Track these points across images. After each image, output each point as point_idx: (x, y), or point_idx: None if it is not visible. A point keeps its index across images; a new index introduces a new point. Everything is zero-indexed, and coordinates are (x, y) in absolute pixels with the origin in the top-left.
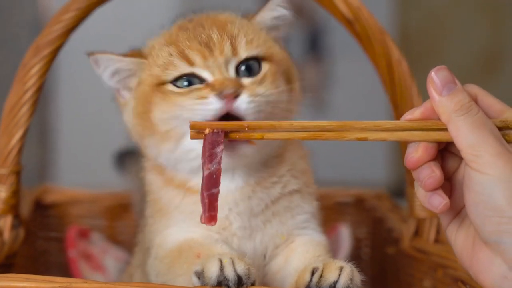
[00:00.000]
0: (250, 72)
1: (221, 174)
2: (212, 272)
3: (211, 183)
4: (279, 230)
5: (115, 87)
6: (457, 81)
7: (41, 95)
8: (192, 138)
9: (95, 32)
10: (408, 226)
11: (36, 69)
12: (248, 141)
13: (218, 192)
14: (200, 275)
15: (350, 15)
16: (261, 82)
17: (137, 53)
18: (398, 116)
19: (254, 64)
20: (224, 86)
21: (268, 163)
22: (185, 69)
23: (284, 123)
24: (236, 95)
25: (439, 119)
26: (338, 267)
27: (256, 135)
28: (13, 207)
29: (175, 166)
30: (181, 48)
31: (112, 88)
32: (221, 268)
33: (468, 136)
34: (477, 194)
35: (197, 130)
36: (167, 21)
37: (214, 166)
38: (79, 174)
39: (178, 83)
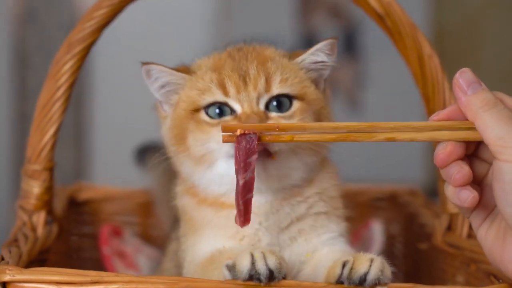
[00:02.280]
0: (281, 108)
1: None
2: (244, 266)
3: (246, 191)
4: (305, 248)
5: (160, 99)
6: (481, 82)
7: (76, 97)
8: (224, 141)
9: (130, 34)
10: (440, 221)
11: (68, 66)
12: (270, 155)
13: (252, 197)
14: (231, 268)
15: (381, 10)
16: (289, 118)
17: (186, 69)
18: (429, 110)
19: (285, 101)
20: (250, 118)
21: (296, 185)
22: (219, 97)
23: (314, 124)
24: None
25: (466, 120)
26: (369, 259)
27: (286, 136)
28: (46, 203)
29: (207, 187)
30: (222, 77)
31: (157, 99)
32: (253, 262)
33: (495, 129)
34: (506, 183)
35: (229, 133)
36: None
37: (249, 175)
38: (114, 173)
39: (210, 111)
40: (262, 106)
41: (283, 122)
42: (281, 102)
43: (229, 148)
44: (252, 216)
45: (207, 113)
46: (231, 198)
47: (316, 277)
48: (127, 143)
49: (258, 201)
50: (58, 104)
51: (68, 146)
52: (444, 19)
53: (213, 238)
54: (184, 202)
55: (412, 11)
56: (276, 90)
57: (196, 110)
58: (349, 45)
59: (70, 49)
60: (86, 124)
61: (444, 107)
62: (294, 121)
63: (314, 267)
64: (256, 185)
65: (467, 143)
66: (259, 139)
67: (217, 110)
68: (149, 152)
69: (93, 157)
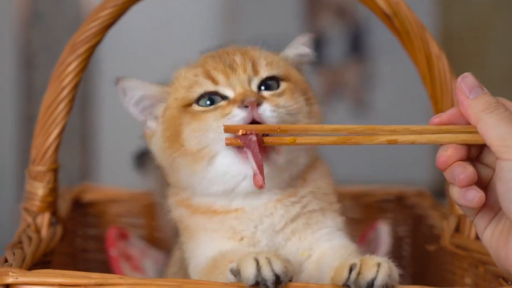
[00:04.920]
0: (270, 89)
1: (247, 193)
2: (249, 272)
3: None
4: (300, 247)
5: (140, 118)
6: (483, 87)
7: (82, 98)
8: (228, 144)
9: (136, 35)
10: (448, 223)
11: (72, 67)
12: (274, 149)
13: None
14: (236, 273)
15: (389, 10)
16: (280, 95)
17: (162, 84)
18: (437, 111)
19: (273, 83)
20: (246, 96)
21: (291, 183)
22: (209, 87)
23: (315, 126)
24: (258, 103)
25: (466, 125)
26: (376, 263)
27: (288, 139)
28: (51, 205)
29: (208, 189)
30: (206, 69)
31: (137, 117)
32: (258, 268)
33: (497, 130)
34: (509, 181)
35: (231, 134)
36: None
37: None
38: (120, 175)
39: (201, 102)
40: (254, 87)
41: (276, 99)
42: (270, 85)
43: (227, 135)
44: (247, 220)
45: (199, 104)
46: (224, 204)
47: (320, 275)
48: (132, 144)
49: (253, 204)
50: (62, 105)
51: (74, 147)
52: (451, 22)
53: (209, 241)
54: (179, 213)
55: (419, 14)
56: (264, 72)
57: (188, 105)
58: (356, 46)
59: (74, 50)
60: (92, 125)
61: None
62: (286, 97)
63: (317, 265)
64: (267, 182)
65: (469, 147)
66: (262, 142)
67: (208, 102)
68: (147, 156)
69: (99, 158)
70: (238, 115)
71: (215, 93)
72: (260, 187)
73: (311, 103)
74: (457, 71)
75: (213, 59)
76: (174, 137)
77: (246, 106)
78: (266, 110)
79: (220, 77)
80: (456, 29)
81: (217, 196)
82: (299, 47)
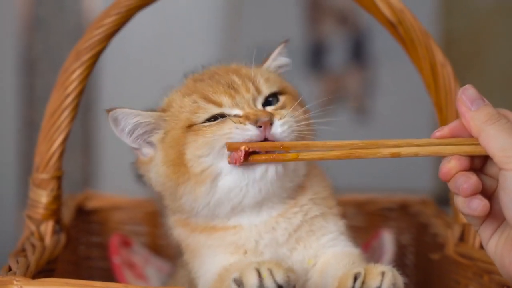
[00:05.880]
0: (271, 105)
1: (248, 209)
2: (252, 284)
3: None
4: (306, 255)
5: (134, 147)
6: (484, 98)
7: (84, 105)
8: (230, 163)
9: (138, 42)
10: (453, 232)
11: (76, 74)
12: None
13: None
14: (239, 283)
15: (394, 18)
16: (282, 108)
17: (155, 109)
18: (442, 120)
19: (273, 99)
20: (259, 116)
21: (291, 195)
22: (215, 110)
23: (318, 143)
24: (270, 123)
25: (469, 137)
26: (380, 272)
27: (292, 155)
28: (55, 213)
29: (214, 211)
30: (204, 94)
31: (130, 145)
32: (261, 280)
33: (499, 141)
34: None
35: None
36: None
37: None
38: (122, 182)
39: (206, 122)
40: (260, 106)
41: (281, 113)
42: (271, 101)
43: (237, 141)
44: (247, 235)
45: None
46: (222, 221)
47: (324, 284)
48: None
49: (251, 221)
50: (66, 113)
51: (76, 154)
52: (452, 26)
53: (213, 258)
54: (178, 232)
55: (419, 18)
56: (266, 90)
57: (193, 125)
58: (357, 53)
59: (78, 57)
60: (95, 132)
61: (457, 116)
62: (288, 110)
63: (321, 274)
64: (271, 188)
65: (472, 159)
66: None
67: (213, 120)
68: None
69: (101, 165)
70: (251, 130)
71: (222, 115)
72: (236, 161)
73: (306, 112)
74: (458, 75)
75: (205, 82)
76: (178, 158)
77: (260, 126)
78: (277, 127)
79: (223, 99)
80: (457, 33)
81: (219, 216)
82: (278, 59)
